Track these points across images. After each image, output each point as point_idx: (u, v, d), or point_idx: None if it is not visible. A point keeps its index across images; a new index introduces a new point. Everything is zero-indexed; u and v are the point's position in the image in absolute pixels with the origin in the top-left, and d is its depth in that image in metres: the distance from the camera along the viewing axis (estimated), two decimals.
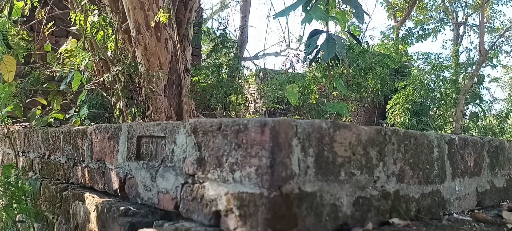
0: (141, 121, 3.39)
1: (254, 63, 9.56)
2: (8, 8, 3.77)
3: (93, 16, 3.51)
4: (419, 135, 1.65)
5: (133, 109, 3.40)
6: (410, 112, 6.61)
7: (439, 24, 12.37)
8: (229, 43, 5.91)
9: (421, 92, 6.76)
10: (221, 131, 1.29)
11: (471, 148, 2.00)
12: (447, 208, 1.77)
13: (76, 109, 3.89)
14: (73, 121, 3.77)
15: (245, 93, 6.64)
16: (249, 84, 8.34)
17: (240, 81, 6.07)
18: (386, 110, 7.10)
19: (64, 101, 3.94)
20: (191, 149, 1.40)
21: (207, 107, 5.34)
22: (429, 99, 6.97)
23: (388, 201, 1.45)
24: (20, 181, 1.88)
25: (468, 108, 6.90)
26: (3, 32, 3.23)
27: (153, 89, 3.37)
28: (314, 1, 3.08)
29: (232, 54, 6.42)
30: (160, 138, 1.61)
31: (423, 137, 1.67)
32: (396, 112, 6.63)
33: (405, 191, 1.54)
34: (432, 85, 7.54)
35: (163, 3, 3.46)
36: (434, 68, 7.36)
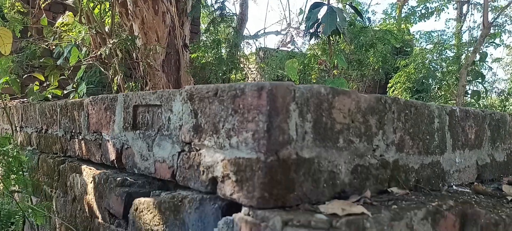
0: None
1: (254, 42, 9.46)
2: None
3: None
4: (420, 105, 1.62)
5: (131, 84, 3.36)
6: (411, 91, 6.55)
7: (442, 2, 12.19)
8: (228, 17, 5.81)
9: (423, 71, 6.69)
10: (217, 96, 1.26)
11: (472, 120, 1.97)
12: (446, 180, 1.76)
13: (74, 86, 3.86)
14: (71, 97, 3.74)
15: (245, 71, 6.58)
16: (249, 63, 8.27)
17: (240, 58, 6.00)
18: (387, 89, 7.05)
19: (62, 77, 3.90)
20: (187, 116, 1.38)
21: (206, 84, 5.27)
22: (431, 78, 6.91)
23: (387, 170, 1.44)
24: (15, 151, 1.86)
25: (470, 88, 6.85)
26: None
27: (151, 63, 3.32)
28: None
29: (231, 29, 6.32)
30: (156, 106, 1.58)
31: (424, 106, 1.64)
32: (397, 91, 6.59)
33: (405, 161, 1.52)
34: (434, 64, 7.47)
35: None
36: (436, 47, 7.27)
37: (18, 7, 3.60)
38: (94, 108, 2.02)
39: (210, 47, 5.20)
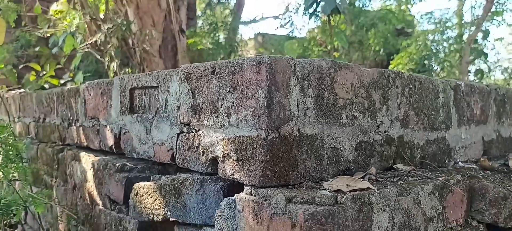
0: None
1: (252, 27, 9.35)
2: None
3: None
4: (424, 79, 1.58)
5: (127, 70, 3.31)
6: (413, 72, 6.46)
7: None
8: (225, 8, 5.71)
9: (425, 51, 6.60)
10: (215, 74, 1.21)
11: (478, 95, 1.92)
12: (452, 156, 1.72)
13: (71, 75, 3.80)
14: (68, 86, 3.69)
15: (244, 56, 6.49)
16: (247, 48, 8.18)
17: (238, 43, 5.92)
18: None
19: (58, 66, 3.84)
20: (185, 97, 1.33)
21: None
22: (433, 59, 6.82)
23: (392, 147, 1.40)
24: (11, 139, 1.83)
25: (472, 68, 6.76)
26: None
27: (148, 49, 3.27)
28: None
29: (229, 12, 6.22)
30: (153, 88, 1.53)
31: (428, 81, 1.59)
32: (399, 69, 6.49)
33: (410, 137, 1.48)
34: (435, 44, 7.36)
35: None
36: (438, 27, 7.16)
37: None
38: (90, 94, 1.98)
39: (207, 32, 5.12)
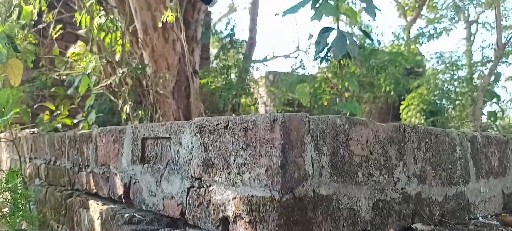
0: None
1: (264, 65, 9.48)
2: (17, 12, 3.76)
3: (100, 18, 3.46)
4: (440, 132, 1.54)
5: (140, 112, 3.33)
6: (425, 113, 6.41)
7: (450, 22, 12.12)
8: (237, 43, 5.83)
9: (436, 92, 6.56)
10: (228, 129, 1.20)
11: (495, 146, 1.87)
12: (472, 212, 1.65)
13: (84, 115, 3.84)
14: (81, 126, 3.72)
15: (255, 95, 6.54)
16: (258, 86, 8.25)
17: (249, 82, 5.98)
18: (400, 111, 6.91)
19: (72, 106, 3.90)
20: (197, 150, 1.32)
21: (216, 110, 5.28)
22: (445, 99, 6.77)
23: (410, 204, 1.35)
24: (21, 188, 1.81)
25: (485, 109, 6.68)
26: (11, 36, 3.20)
27: (161, 92, 3.31)
28: None
29: (241, 55, 6.33)
30: (165, 139, 1.52)
31: (444, 134, 1.55)
32: (411, 112, 6.44)
33: (428, 193, 1.43)
34: (446, 84, 7.34)
35: (171, 3, 3.40)
36: (448, 67, 7.16)
37: (30, 38, 3.66)
38: (102, 141, 1.98)
39: (219, 73, 5.19)
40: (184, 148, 1.39)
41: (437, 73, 7.39)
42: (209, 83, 5.45)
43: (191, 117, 3.78)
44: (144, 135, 1.65)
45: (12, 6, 3.76)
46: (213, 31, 6.09)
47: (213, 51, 9.32)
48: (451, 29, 12.07)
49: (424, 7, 12.27)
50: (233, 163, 1.16)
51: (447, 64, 7.41)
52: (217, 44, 7.28)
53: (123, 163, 1.77)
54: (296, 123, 1.06)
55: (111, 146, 1.90)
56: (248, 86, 5.86)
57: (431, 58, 8.43)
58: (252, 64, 7.48)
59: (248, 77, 6.54)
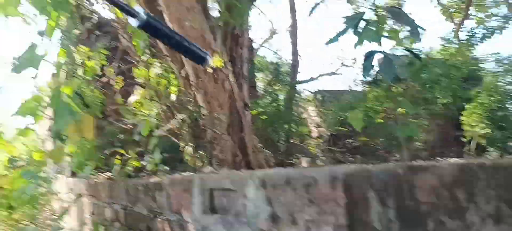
0: (209, 165, 3.50)
1: (310, 89, 9.52)
2: (82, 69, 4.18)
3: (154, 68, 3.75)
4: (509, 164, 1.49)
5: (200, 152, 3.52)
6: (493, 123, 5.97)
7: (503, 20, 11.33)
8: (282, 75, 5.96)
9: (498, 98, 6.14)
10: (289, 185, 1.27)
11: None
12: None
13: (150, 156, 4.10)
14: (148, 166, 3.99)
15: (305, 118, 6.58)
16: (307, 108, 8.27)
17: (298, 109, 6.05)
18: (461, 124, 6.50)
19: (138, 148, 4.19)
20: (262, 204, 1.40)
21: (269, 139, 5.39)
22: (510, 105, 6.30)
23: None
24: None
25: None
26: (79, 92, 3.55)
27: (217, 130, 3.48)
28: (361, 20, 2.98)
29: (287, 86, 6.44)
30: (231, 191, 1.62)
31: None
32: (474, 123, 6.03)
33: None
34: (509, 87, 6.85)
35: (215, 45, 3.60)
36: (508, 69, 6.70)
37: (96, 92, 4.04)
38: (173, 190, 2.13)
39: (269, 105, 5.32)
40: (249, 201, 1.48)
41: (497, 77, 6.93)
42: (260, 115, 5.58)
43: (247, 150, 3.90)
44: (211, 186, 1.76)
45: (76, 64, 4.19)
46: (257, 63, 6.24)
47: (258, 79, 9.51)
48: (504, 27, 11.28)
49: (471, 7, 11.62)
50: (300, 219, 1.22)
51: (508, 65, 6.94)
52: (264, 71, 7.46)
53: (195, 212, 1.89)
54: (357, 179, 1.10)
55: (181, 195, 2.04)
56: (298, 113, 5.92)
57: (488, 61, 7.94)
58: (298, 88, 7.54)
59: (295, 100, 6.60)
